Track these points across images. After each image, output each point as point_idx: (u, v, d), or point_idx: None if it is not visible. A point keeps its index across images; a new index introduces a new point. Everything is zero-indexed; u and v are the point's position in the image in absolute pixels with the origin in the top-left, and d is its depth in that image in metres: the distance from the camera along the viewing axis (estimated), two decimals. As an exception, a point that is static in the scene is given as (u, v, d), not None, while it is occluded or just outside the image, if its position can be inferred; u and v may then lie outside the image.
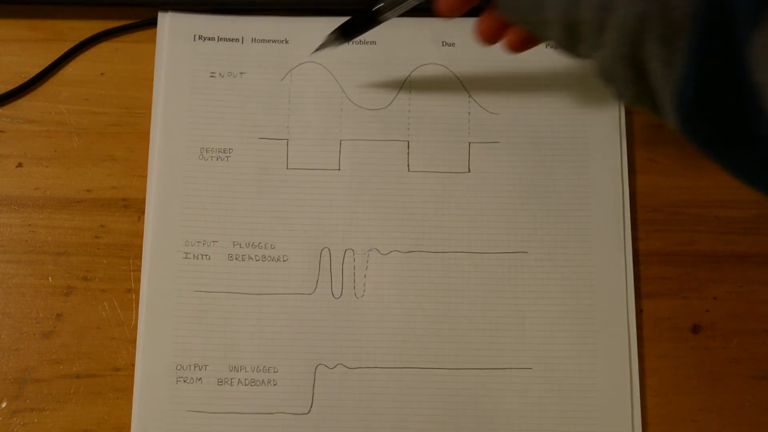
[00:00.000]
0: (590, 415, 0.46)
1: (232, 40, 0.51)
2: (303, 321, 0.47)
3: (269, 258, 0.48)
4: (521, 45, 0.42)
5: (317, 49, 0.47)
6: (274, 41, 0.51)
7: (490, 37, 0.42)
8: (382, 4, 0.44)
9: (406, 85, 0.51)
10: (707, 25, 0.30)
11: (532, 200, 0.49)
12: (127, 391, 0.46)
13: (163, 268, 0.48)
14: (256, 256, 0.48)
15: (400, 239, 0.49)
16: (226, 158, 0.50)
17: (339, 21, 0.52)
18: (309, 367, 0.47)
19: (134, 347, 0.47)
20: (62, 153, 0.50)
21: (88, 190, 0.49)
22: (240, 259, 0.48)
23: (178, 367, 0.47)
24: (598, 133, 0.50)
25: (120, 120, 0.50)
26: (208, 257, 0.48)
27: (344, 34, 0.46)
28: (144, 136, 0.50)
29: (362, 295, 0.48)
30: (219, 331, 0.47)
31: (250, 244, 0.48)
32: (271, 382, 0.47)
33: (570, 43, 0.36)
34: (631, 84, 0.34)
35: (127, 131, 0.50)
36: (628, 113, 0.51)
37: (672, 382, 0.47)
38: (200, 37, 0.51)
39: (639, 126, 0.51)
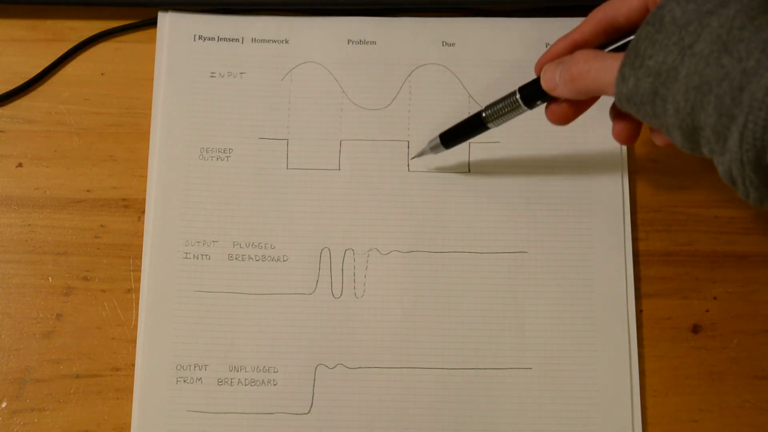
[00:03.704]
0: (590, 415, 0.46)
1: (232, 40, 0.51)
2: (303, 321, 0.47)
3: (269, 258, 0.48)
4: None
5: (416, 156, 0.49)
6: (274, 41, 0.51)
7: (561, 120, 0.42)
8: (489, 112, 0.44)
9: (406, 85, 0.51)
10: None
11: (532, 200, 0.49)
12: (127, 391, 0.46)
13: (163, 268, 0.48)
14: (256, 256, 0.48)
15: (400, 239, 0.49)
16: (226, 158, 0.49)
17: (338, 21, 0.52)
18: (309, 367, 0.47)
19: (134, 347, 0.47)
20: (62, 153, 0.50)
21: (88, 190, 0.49)
22: (240, 259, 0.48)
23: (178, 367, 0.47)
24: (598, 133, 0.50)
25: (120, 120, 0.50)
26: (208, 257, 0.48)
27: (444, 142, 0.47)
28: (144, 136, 0.50)
29: (362, 295, 0.48)
30: (219, 331, 0.47)
31: (250, 244, 0.48)
32: (271, 382, 0.47)
33: (693, 146, 0.35)
34: (758, 187, 0.33)
35: (127, 131, 0.50)
36: (628, 113, 0.51)
37: (672, 382, 0.47)
38: (200, 37, 0.51)
39: (639, 126, 0.51)
